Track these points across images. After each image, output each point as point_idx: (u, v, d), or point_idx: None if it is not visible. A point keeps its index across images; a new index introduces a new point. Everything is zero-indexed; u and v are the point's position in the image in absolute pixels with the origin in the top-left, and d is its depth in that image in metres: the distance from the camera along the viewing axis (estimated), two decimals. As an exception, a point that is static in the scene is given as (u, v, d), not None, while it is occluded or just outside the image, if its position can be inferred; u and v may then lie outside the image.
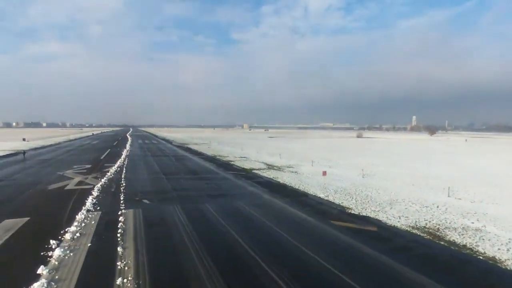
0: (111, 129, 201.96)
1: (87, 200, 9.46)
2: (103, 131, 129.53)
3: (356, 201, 10.13)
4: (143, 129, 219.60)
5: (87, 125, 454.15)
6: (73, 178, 13.42)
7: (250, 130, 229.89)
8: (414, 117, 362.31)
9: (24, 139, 47.74)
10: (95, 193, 10.46)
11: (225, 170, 16.92)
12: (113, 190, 11.10)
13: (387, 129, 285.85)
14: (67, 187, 11.46)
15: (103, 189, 11.14)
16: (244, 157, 24.14)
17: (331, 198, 10.46)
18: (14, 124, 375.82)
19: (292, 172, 16.62)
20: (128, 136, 64.70)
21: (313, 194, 11.02)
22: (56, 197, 10.07)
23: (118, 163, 18.81)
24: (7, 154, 23.60)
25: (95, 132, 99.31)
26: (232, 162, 20.37)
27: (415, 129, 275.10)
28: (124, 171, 15.54)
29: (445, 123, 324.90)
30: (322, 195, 10.89)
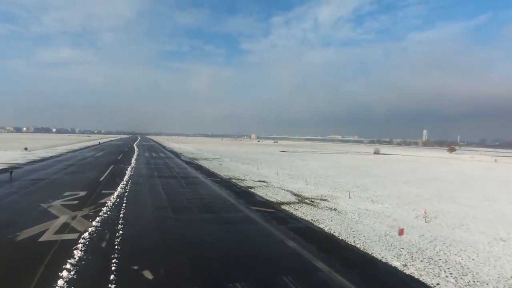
0: (119, 136, 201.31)
1: (62, 270, 6.39)
2: (111, 139, 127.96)
3: (456, 282, 6.85)
4: (150, 137, 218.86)
5: (95, 131, 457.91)
6: (57, 217, 10.38)
7: (258, 141, 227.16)
8: (425, 131, 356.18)
9: (26, 149, 45.45)
10: (77, 252, 7.37)
11: (247, 203, 13.76)
12: (104, 245, 8.00)
13: (398, 143, 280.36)
14: (43, 237, 8.40)
15: (90, 244, 8.04)
16: (263, 181, 20.97)
17: (415, 273, 7.18)
18: (24, 129, 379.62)
19: (331, 209, 13.37)
20: (135, 147, 62.12)
21: (384, 261, 7.77)
22: (18, 261, 7.00)
23: (119, 189, 15.79)
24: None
25: (102, 141, 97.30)
26: (252, 190, 17.20)
27: (427, 144, 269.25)
28: (124, 204, 12.48)
29: (456, 138, 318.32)
30: (397, 263, 7.63)
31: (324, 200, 15.45)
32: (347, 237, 9.51)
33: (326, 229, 10.38)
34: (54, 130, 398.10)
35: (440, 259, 8.00)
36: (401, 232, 8.65)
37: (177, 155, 45.38)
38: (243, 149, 74.12)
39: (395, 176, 27.28)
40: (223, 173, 24.91)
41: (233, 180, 20.87)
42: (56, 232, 8.84)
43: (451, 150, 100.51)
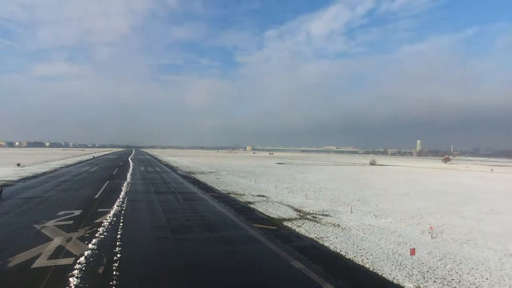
0: (113, 150, 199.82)
1: (57, 302, 5.97)
2: (105, 153, 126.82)
3: (474, 304, 6.54)
4: (145, 150, 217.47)
5: (90, 145, 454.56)
6: (51, 240, 9.91)
7: (254, 153, 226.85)
8: (418, 141, 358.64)
9: (18, 164, 44.62)
10: (73, 280, 6.95)
11: (248, 220, 13.39)
12: (101, 271, 7.57)
13: (393, 154, 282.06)
14: (36, 263, 7.94)
15: (87, 269, 7.61)
16: (263, 196, 20.61)
17: (430, 295, 6.87)
18: (17, 143, 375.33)
19: (335, 225, 13.04)
20: (130, 161, 61.42)
21: (395, 282, 7.43)
22: (11, 290, 6.57)
23: (116, 207, 15.33)
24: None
25: (96, 155, 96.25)
26: (252, 206, 16.82)
27: (421, 154, 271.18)
28: (121, 224, 12.04)
29: (449, 148, 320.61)
30: (409, 285, 7.30)
31: (326, 215, 15.13)
32: (355, 256, 9.18)
33: (331, 247, 10.04)
34: (47, 144, 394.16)
35: (453, 279, 7.70)
36: (412, 251, 8.34)
37: (173, 169, 44.85)
38: (239, 162, 73.73)
39: (395, 189, 27.08)
40: (221, 187, 24.51)
41: (232, 195, 20.48)
42: (50, 257, 8.39)
43: (446, 160, 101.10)
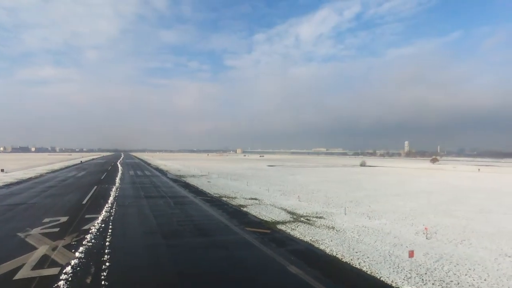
0: (101, 154, 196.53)
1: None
2: (93, 157, 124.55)
3: (475, 306, 6.43)
4: (135, 154, 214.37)
5: (77, 150, 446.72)
6: (36, 249, 9.44)
7: (244, 155, 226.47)
8: (406, 143, 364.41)
9: (2, 170, 43.31)
10: (58, 292, 6.57)
11: (241, 224, 13.12)
12: (89, 281, 7.19)
13: (382, 155, 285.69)
14: (19, 274, 7.49)
15: (73, 280, 7.21)
16: (255, 199, 20.37)
17: (430, 298, 6.73)
18: (1, 148, 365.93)
19: (329, 228, 12.89)
20: (119, 165, 60.36)
21: (394, 285, 7.27)
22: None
23: (104, 212, 14.86)
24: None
25: (84, 159, 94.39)
26: (245, 209, 16.56)
27: (409, 155, 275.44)
28: (109, 230, 11.62)
29: (436, 149, 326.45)
30: (408, 288, 7.17)
31: (320, 217, 14.98)
32: (351, 259, 9.01)
33: (327, 250, 9.86)
34: (33, 149, 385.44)
35: (451, 281, 7.60)
36: (411, 254, 8.22)
37: (163, 172, 44.21)
38: (230, 165, 73.34)
39: (385, 189, 27.20)
40: (213, 191, 24.17)
41: (224, 199, 20.17)
42: (35, 267, 7.95)
43: (434, 160, 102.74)
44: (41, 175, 36.78)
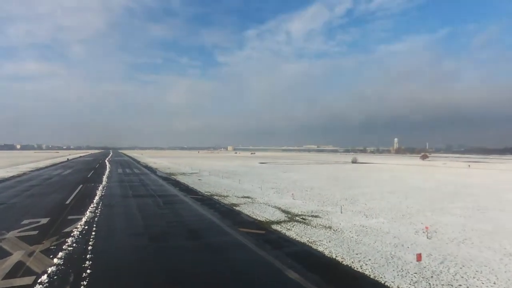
0: (89, 152, 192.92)
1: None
2: (81, 155, 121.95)
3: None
4: (124, 152, 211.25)
5: (64, 147, 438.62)
6: (10, 254, 8.63)
7: (236, 153, 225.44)
8: (396, 139, 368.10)
9: (-17, 168, 41.62)
10: (30, 305, 5.83)
11: (234, 224, 12.49)
12: (66, 292, 6.46)
13: (372, 152, 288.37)
14: (-12, 285, 6.73)
15: (49, 290, 6.48)
16: (248, 197, 19.75)
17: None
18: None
19: (326, 227, 12.36)
20: (107, 163, 58.93)
21: (401, 291, 6.77)
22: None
23: (88, 213, 14.02)
24: None
25: (71, 157, 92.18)
26: (238, 208, 15.92)
27: (399, 151, 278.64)
28: (93, 233, 10.83)
29: (425, 145, 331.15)
30: (416, 294, 6.66)
31: (316, 216, 14.46)
32: (352, 262, 8.48)
33: (326, 252, 9.31)
34: (18, 146, 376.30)
35: (460, 285, 7.12)
36: (418, 257, 7.72)
37: (152, 170, 43.19)
38: (221, 162, 72.53)
39: (379, 186, 26.91)
40: (204, 189, 23.45)
41: (215, 197, 19.49)
42: (6, 276, 7.16)
43: (424, 157, 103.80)
44: (24, 174, 35.40)
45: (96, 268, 7.70)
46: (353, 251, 9.49)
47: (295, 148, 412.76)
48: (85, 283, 6.83)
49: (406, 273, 7.75)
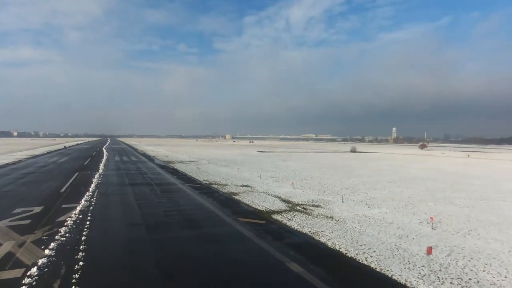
0: (87, 139, 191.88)
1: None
2: (78, 142, 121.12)
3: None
4: (122, 139, 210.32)
5: (62, 135, 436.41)
6: (0, 245, 8.26)
7: (234, 141, 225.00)
8: (394, 129, 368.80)
9: (-22, 156, 41.01)
10: (17, 301, 5.47)
11: (233, 214, 12.14)
12: (57, 286, 6.09)
13: (370, 141, 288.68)
14: (-27, 279, 6.35)
15: (38, 284, 6.11)
16: (247, 186, 19.40)
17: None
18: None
19: (328, 217, 12.04)
20: (104, 151, 58.39)
21: (409, 286, 6.45)
22: None
23: (83, 201, 13.63)
24: None
25: (68, 145, 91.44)
26: (237, 197, 15.58)
27: (397, 141, 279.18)
28: (87, 222, 10.46)
29: (423, 135, 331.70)
30: (425, 288, 6.35)
31: (317, 206, 14.14)
32: (357, 254, 8.16)
33: (329, 243, 8.99)
34: (15, 134, 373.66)
35: (470, 279, 6.82)
36: (429, 250, 7.40)
37: (150, 158, 42.75)
38: (219, 151, 72.14)
39: (379, 176, 26.64)
40: (202, 177, 23.09)
41: (214, 186, 19.14)
42: (-6, 269, 6.79)
43: (423, 146, 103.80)
44: (19, 161, 34.87)
45: (89, 260, 7.33)
46: (357, 242, 9.18)
47: (294, 137, 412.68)
48: (76, 276, 6.47)
49: (413, 266, 7.44)
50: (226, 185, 19.68)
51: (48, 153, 51.52)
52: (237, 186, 19.41)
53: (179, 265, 7.27)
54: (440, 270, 7.29)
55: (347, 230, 10.44)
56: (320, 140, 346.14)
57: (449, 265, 7.57)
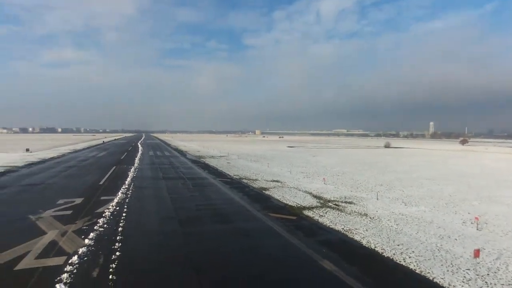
0: (123, 135, 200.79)
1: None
2: (115, 138, 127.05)
3: None
4: (155, 135, 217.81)
5: (101, 130, 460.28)
6: (45, 234, 8.75)
7: (263, 137, 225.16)
8: (431, 123, 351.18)
9: (27, 150, 44.24)
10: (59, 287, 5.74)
11: (264, 209, 12.05)
12: (95, 275, 6.34)
13: (405, 136, 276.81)
14: (21, 264, 6.74)
15: (78, 272, 6.38)
16: (277, 181, 19.25)
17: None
18: (30, 129, 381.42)
19: (361, 215, 11.61)
20: (140, 146, 60.73)
21: (453, 290, 6.01)
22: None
23: (120, 194, 14.19)
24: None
25: (106, 140, 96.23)
26: (267, 193, 15.48)
27: (434, 136, 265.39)
28: (124, 214, 10.84)
29: (463, 130, 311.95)
30: (472, 293, 5.87)
31: (350, 202, 13.70)
32: (394, 254, 7.75)
33: (364, 242, 8.63)
34: (59, 130, 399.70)
35: (525, 287, 6.22)
36: (476, 253, 6.86)
37: (182, 153, 43.84)
38: (249, 146, 72.48)
39: (417, 172, 25.37)
40: (233, 172, 23.25)
41: (244, 181, 19.18)
42: (39, 256, 7.19)
43: (464, 142, 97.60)
44: (63, 155, 37.16)
45: (125, 251, 7.57)
46: (393, 241, 8.74)
47: (324, 132, 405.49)
48: (113, 266, 6.69)
49: (457, 269, 6.94)
50: (256, 180, 19.66)
51: (88, 148, 54.48)
52: (267, 181, 19.32)
53: (209, 258, 7.29)
54: (488, 274, 6.73)
55: (382, 228, 9.99)
56: (352, 135, 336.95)
57: (498, 270, 6.98)
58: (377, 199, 14.44)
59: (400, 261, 7.34)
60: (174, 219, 10.58)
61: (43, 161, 29.49)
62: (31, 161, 29.05)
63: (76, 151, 44.39)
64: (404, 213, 11.96)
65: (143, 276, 6.36)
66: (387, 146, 71.64)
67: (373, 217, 11.29)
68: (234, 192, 15.50)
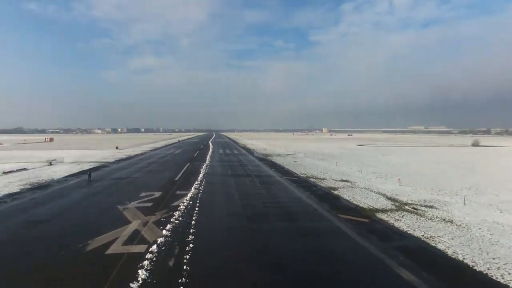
0: (196, 134, 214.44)
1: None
2: (189, 137, 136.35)
3: None
4: (224, 133, 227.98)
5: (176, 130, 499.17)
6: (129, 223, 9.73)
7: (331, 135, 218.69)
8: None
9: (117, 147, 50.12)
10: (142, 273, 6.26)
11: (332, 209, 11.59)
12: (171, 264, 6.79)
13: (499, 133, 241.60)
14: (111, 249, 7.58)
15: (157, 260, 6.91)
16: (346, 181, 18.41)
17: None
18: (119, 130, 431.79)
19: (445, 221, 10.37)
20: (210, 144, 64.15)
21: None
22: (79, 280, 6.14)
23: (193, 189, 15.08)
24: (79, 172, 22.22)
25: (181, 139, 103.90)
26: (336, 192, 14.88)
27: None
28: (196, 209, 11.47)
29: None
30: None
31: (430, 207, 12.38)
32: (488, 268, 6.73)
33: (449, 252, 7.68)
34: (142, 130, 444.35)
35: None
36: None
37: (250, 151, 44.94)
38: (316, 144, 71.05)
39: (508, 172, 21.84)
40: (299, 170, 22.97)
41: (312, 180, 18.78)
42: (125, 243, 8.00)
43: None
44: (145, 152, 41.17)
45: (198, 243, 7.97)
46: (487, 254, 7.60)
47: (398, 129, 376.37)
48: (187, 257, 7.09)
49: None
50: (324, 179, 19.09)
51: (166, 146, 59.47)
52: (335, 180, 18.62)
53: (275, 257, 7.25)
54: None
55: (472, 238, 8.78)
56: (431, 132, 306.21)
57: None
58: (464, 204, 12.79)
59: (495, 277, 6.35)
60: (242, 216, 10.82)
61: (129, 158, 33.07)
62: (120, 158, 32.81)
63: (156, 149, 48.79)
64: (500, 222, 10.36)
65: (213, 271, 6.60)
66: (475, 144, 63.29)
67: (460, 225, 10.00)
68: (301, 190, 15.26)
